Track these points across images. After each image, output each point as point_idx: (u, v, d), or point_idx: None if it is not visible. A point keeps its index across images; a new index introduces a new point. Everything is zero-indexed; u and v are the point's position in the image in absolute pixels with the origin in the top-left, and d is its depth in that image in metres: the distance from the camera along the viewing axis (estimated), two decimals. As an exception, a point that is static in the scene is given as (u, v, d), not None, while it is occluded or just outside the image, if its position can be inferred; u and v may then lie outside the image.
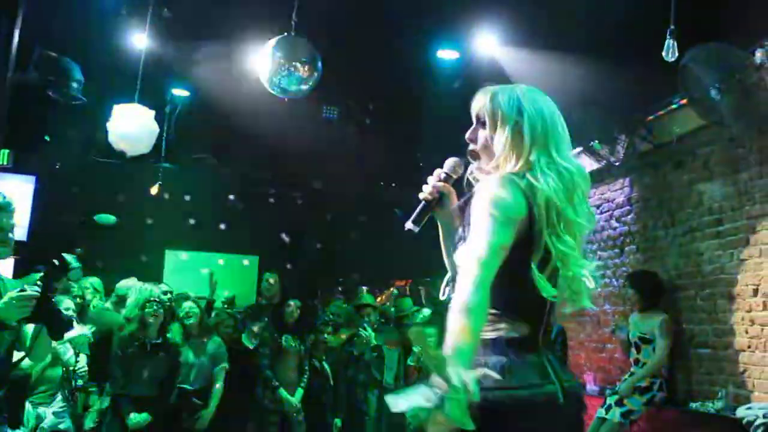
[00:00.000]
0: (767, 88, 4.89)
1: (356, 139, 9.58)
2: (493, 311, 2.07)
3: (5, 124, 6.20)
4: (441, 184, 2.35)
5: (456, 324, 1.89)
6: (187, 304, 6.42)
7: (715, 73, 4.93)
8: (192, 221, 10.91)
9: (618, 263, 7.29)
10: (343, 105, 8.90)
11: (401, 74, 7.47)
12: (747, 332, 5.55)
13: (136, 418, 5.45)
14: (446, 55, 7.18)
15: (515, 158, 2.16)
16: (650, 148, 6.72)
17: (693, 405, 5.77)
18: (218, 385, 6.20)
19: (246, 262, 11.58)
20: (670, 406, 6.07)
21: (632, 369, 6.23)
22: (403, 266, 10.61)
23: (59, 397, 5.58)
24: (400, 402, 1.82)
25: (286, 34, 5.66)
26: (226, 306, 7.64)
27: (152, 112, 6.53)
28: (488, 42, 6.71)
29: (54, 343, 5.17)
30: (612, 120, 6.68)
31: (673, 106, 6.24)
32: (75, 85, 6.89)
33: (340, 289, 10.98)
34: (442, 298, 2.24)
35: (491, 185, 2.09)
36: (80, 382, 5.70)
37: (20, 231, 7.42)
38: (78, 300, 6.23)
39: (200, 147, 10.19)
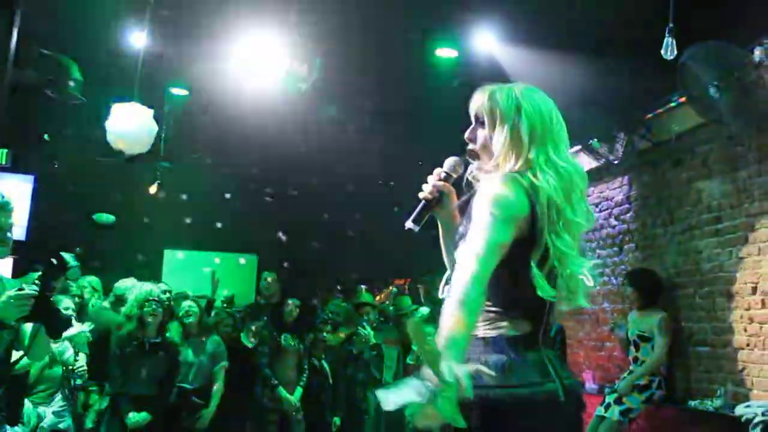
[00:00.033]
0: (766, 86, 4.89)
1: (355, 138, 9.57)
2: (495, 310, 2.10)
3: (3, 124, 6.20)
4: (441, 183, 2.35)
5: (450, 317, 1.91)
6: (187, 303, 6.42)
7: (713, 71, 4.92)
8: (191, 220, 10.91)
9: (617, 261, 7.29)
10: (341, 103, 8.89)
11: (400, 73, 7.46)
12: (746, 330, 5.55)
13: (135, 417, 5.45)
14: (445, 53, 7.17)
15: (515, 157, 2.17)
16: (649, 147, 6.72)
17: (692, 403, 5.78)
18: (218, 384, 6.21)
19: (242, 260, 11.58)
20: (669, 404, 6.07)
21: (631, 367, 6.23)
22: (402, 265, 10.61)
23: (59, 396, 5.58)
24: (391, 397, 1.82)
25: (285, 32, 5.65)
26: (225, 305, 7.64)
27: (151, 111, 6.52)
28: (487, 40, 6.70)
29: (54, 345, 5.20)
30: (611, 118, 6.68)
31: (672, 104, 6.24)
32: (73, 84, 6.88)
33: (339, 287, 10.98)
34: (441, 296, 2.24)
35: (494, 183, 2.10)
36: (79, 382, 5.69)
37: (19, 230, 7.41)
38: (77, 299, 6.22)
39: (199, 146, 10.18)
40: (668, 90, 5.97)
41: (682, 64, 4.97)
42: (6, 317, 3.23)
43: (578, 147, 6.86)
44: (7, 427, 4.04)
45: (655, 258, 6.67)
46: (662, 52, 4.57)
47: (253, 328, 6.86)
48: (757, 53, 4.94)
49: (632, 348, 6.25)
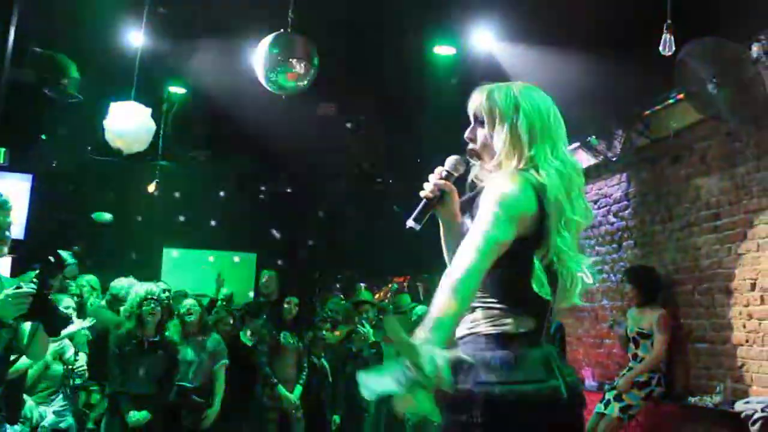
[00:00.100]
0: (764, 82, 4.89)
1: (353, 136, 9.57)
2: (499, 306, 2.12)
3: (1, 123, 6.19)
4: (442, 182, 2.35)
5: (441, 301, 1.94)
6: (188, 302, 6.41)
7: (711, 67, 4.92)
8: (190, 219, 10.91)
9: (615, 258, 7.29)
10: (340, 101, 8.89)
11: (398, 70, 7.45)
12: (745, 326, 5.55)
13: (135, 416, 5.44)
14: (443, 51, 7.17)
15: (516, 156, 2.19)
16: (647, 143, 6.72)
17: (691, 399, 5.78)
18: (220, 383, 6.20)
19: (236, 258, 11.58)
20: (668, 401, 6.07)
21: (630, 364, 6.23)
22: (401, 263, 10.62)
23: (60, 395, 5.57)
24: (371, 384, 1.85)
25: (282, 30, 5.65)
26: (224, 303, 7.64)
27: (149, 110, 6.52)
28: (485, 38, 6.70)
29: (54, 344, 5.19)
30: (609, 115, 6.68)
31: (670, 101, 6.24)
32: (71, 83, 6.88)
33: (338, 285, 10.99)
34: None
35: (503, 180, 2.12)
36: (78, 381, 5.69)
37: (17, 229, 7.42)
38: (76, 298, 6.22)
39: (197, 144, 10.18)
40: (666, 86, 5.97)
41: (680, 61, 4.96)
42: (4, 316, 3.23)
43: (576, 144, 6.86)
44: (7, 426, 4.03)
45: (654, 255, 6.67)
46: (660, 48, 4.57)
47: (248, 331, 6.86)
48: (755, 49, 4.94)
49: (631, 345, 6.26)
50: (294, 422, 6.64)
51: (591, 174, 7.33)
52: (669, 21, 4.50)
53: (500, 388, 2.02)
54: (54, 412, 5.48)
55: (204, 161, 10.42)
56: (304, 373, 6.77)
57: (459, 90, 6.81)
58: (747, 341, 5.53)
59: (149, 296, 5.64)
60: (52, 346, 5.24)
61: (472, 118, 2.33)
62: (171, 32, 7.00)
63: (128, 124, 6.36)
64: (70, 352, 5.56)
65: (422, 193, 2.34)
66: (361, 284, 9.15)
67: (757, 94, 4.91)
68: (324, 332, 7.08)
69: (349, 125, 9.29)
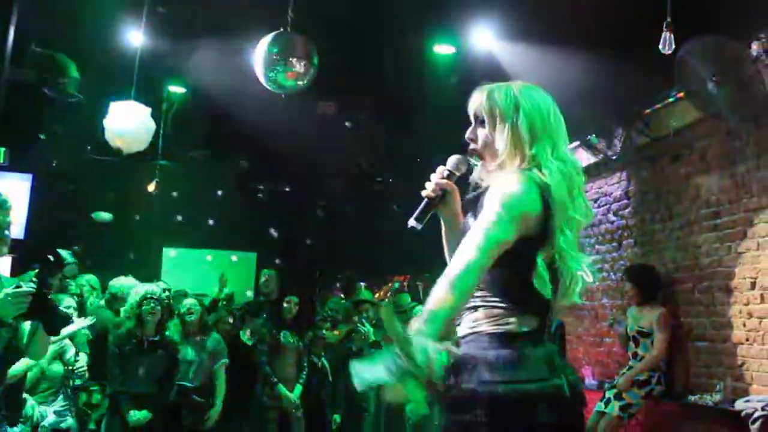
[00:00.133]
0: (764, 81, 4.89)
1: (353, 135, 9.57)
2: (502, 306, 2.13)
3: (1, 122, 6.19)
4: (444, 181, 2.35)
5: (438, 295, 1.96)
6: (189, 301, 6.41)
7: (711, 65, 4.92)
8: (190, 218, 10.91)
9: (616, 257, 7.29)
10: (339, 100, 8.89)
11: (398, 69, 7.45)
12: (745, 325, 5.55)
13: (135, 415, 5.45)
14: (443, 50, 7.16)
15: (519, 155, 2.19)
16: (647, 142, 6.71)
17: (691, 398, 5.78)
18: (221, 382, 6.20)
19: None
20: (668, 400, 6.07)
21: (630, 363, 6.23)
22: (401, 262, 10.61)
23: (61, 395, 5.57)
24: (363, 373, 1.87)
25: (282, 29, 5.65)
26: (224, 303, 7.64)
27: (149, 109, 6.52)
28: (485, 36, 6.70)
29: (54, 345, 5.19)
30: (609, 113, 6.68)
31: (670, 100, 6.23)
32: (71, 82, 6.88)
33: (338, 285, 10.98)
34: None
35: (509, 180, 2.12)
36: (78, 382, 5.69)
37: (17, 229, 7.42)
38: (76, 298, 6.22)
39: (197, 144, 10.18)
40: (666, 85, 5.97)
41: (680, 59, 4.96)
42: (4, 315, 3.23)
43: (577, 143, 6.86)
44: (7, 426, 4.03)
45: (654, 253, 6.67)
46: (660, 47, 4.57)
47: (247, 332, 6.86)
48: (755, 48, 4.94)
49: (631, 344, 6.25)
50: (294, 422, 6.64)
51: (591, 172, 7.33)
52: (669, 19, 4.51)
53: (503, 387, 2.03)
54: (54, 412, 5.48)
55: (204, 161, 10.42)
56: (304, 373, 6.77)
57: (459, 89, 6.81)
58: (747, 340, 5.53)
59: (149, 296, 5.64)
60: (53, 347, 5.23)
61: (472, 118, 2.33)
62: (171, 32, 7.00)
63: (128, 123, 6.36)
64: (70, 353, 5.55)
65: (424, 193, 2.34)
66: (361, 283, 9.14)
67: (757, 93, 4.91)
68: (324, 331, 7.08)
69: (348, 124, 9.29)
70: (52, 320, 3.51)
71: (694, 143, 6.19)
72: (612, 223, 7.40)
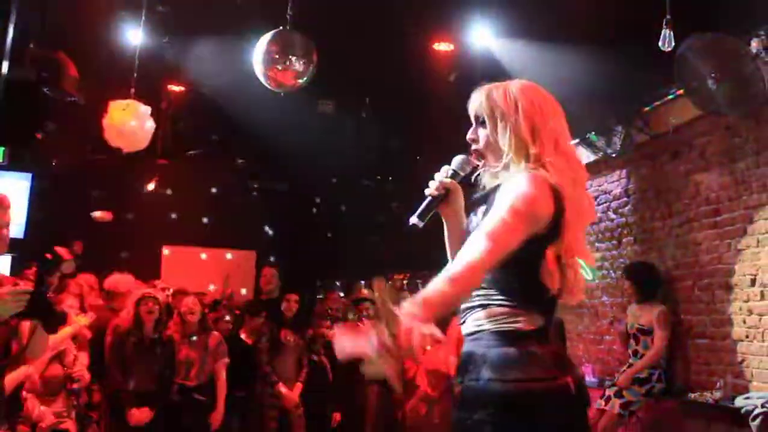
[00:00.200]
0: (763, 77, 4.89)
1: (352, 132, 9.57)
2: (510, 304, 2.13)
3: (1, 121, 6.19)
4: (448, 180, 2.35)
5: (436, 284, 1.95)
6: (189, 300, 6.40)
7: (711, 62, 4.92)
8: (189, 217, 10.92)
9: (615, 255, 7.29)
10: (339, 98, 8.89)
11: (396, 67, 7.45)
12: (745, 322, 5.55)
13: (136, 414, 5.44)
14: (441, 47, 7.16)
15: (522, 154, 2.18)
16: (647, 139, 6.71)
17: (691, 395, 5.78)
18: (221, 381, 6.20)
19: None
20: (668, 397, 6.07)
21: (630, 360, 6.23)
22: (402, 260, 10.62)
23: (60, 395, 5.56)
24: (345, 345, 1.89)
25: (281, 27, 5.64)
26: (225, 302, 7.64)
27: (148, 108, 6.52)
28: (483, 34, 6.70)
29: (53, 342, 5.18)
30: (608, 111, 6.67)
31: (670, 97, 6.23)
32: (70, 81, 6.87)
33: (338, 283, 10.98)
34: None
35: (520, 182, 2.11)
36: (78, 381, 5.68)
37: (16, 228, 7.42)
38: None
39: (197, 142, 10.18)
40: (666, 82, 5.97)
41: (680, 56, 4.96)
42: (1, 313, 3.23)
43: (576, 140, 6.85)
44: (7, 426, 4.03)
45: (654, 251, 6.67)
46: (659, 43, 4.57)
47: (252, 324, 6.85)
48: (754, 44, 4.93)
49: (632, 341, 6.25)
50: (294, 420, 6.63)
51: (590, 170, 7.28)
52: (668, 16, 4.51)
53: (509, 385, 2.03)
54: (54, 413, 5.47)
55: (203, 159, 10.42)
56: (305, 371, 6.76)
57: (458, 86, 6.81)
58: (747, 337, 5.53)
59: (147, 294, 5.64)
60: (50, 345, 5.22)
61: (473, 119, 2.33)
62: (170, 30, 7.00)
63: (127, 122, 6.36)
64: (70, 356, 5.54)
65: (427, 191, 2.34)
66: (361, 282, 9.13)
67: (757, 90, 4.91)
68: (324, 330, 7.07)
69: (347, 123, 9.29)
70: (51, 319, 3.52)
71: (694, 140, 6.19)
72: (612, 220, 7.40)
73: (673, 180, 6.46)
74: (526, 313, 2.12)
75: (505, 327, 2.11)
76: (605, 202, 7.48)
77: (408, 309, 1.85)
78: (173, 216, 10.83)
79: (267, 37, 5.59)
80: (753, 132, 5.50)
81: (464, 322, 2.21)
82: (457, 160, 2.37)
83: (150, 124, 6.53)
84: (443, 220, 2.43)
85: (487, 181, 2.31)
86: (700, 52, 4.94)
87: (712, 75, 4.92)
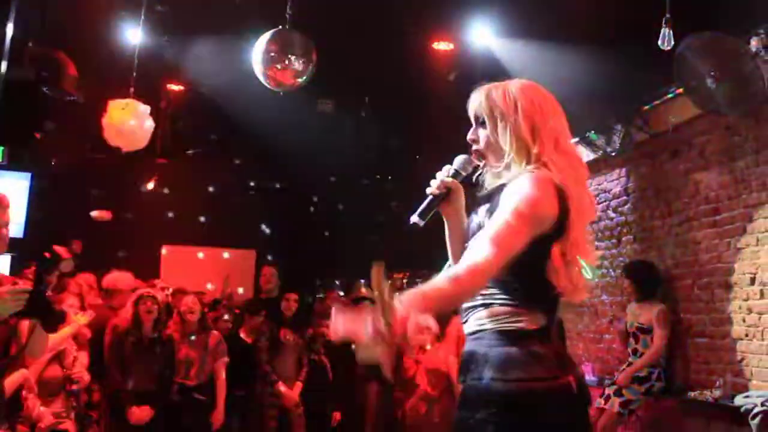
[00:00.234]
0: (763, 77, 4.89)
1: (352, 131, 9.57)
2: (513, 304, 2.12)
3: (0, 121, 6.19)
4: (450, 179, 2.35)
5: (438, 280, 1.94)
6: (188, 299, 6.40)
7: (710, 61, 4.92)
8: (189, 216, 10.91)
9: (615, 254, 7.29)
10: (338, 97, 8.89)
11: (396, 66, 7.45)
12: (744, 321, 5.55)
13: (136, 413, 5.44)
14: (441, 46, 7.16)
15: (524, 154, 2.18)
16: (646, 138, 6.71)
17: (691, 394, 5.78)
18: (221, 381, 6.19)
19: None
20: (668, 396, 6.08)
21: (630, 359, 6.23)
22: (401, 259, 10.61)
23: (60, 395, 5.56)
24: (340, 326, 1.89)
25: (280, 27, 5.64)
26: (225, 301, 7.64)
27: (147, 108, 6.51)
28: (483, 33, 6.70)
29: (53, 341, 5.17)
30: (608, 110, 6.67)
31: (669, 96, 6.23)
32: (69, 80, 6.86)
33: (337, 282, 10.98)
34: None
35: (525, 183, 2.10)
36: (77, 383, 5.67)
37: (16, 227, 7.42)
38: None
39: (196, 142, 10.18)
40: (665, 81, 5.96)
41: (679, 55, 4.96)
42: (1, 312, 3.22)
43: (576, 139, 6.85)
44: (6, 426, 4.03)
45: (654, 250, 6.67)
46: (659, 42, 4.57)
47: (252, 323, 6.85)
48: (754, 43, 4.93)
49: (631, 340, 6.25)
50: (294, 419, 6.63)
51: (590, 169, 7.19)
52: (668, 15, 4.50)
53: (513, 384, 2.04)
54: (53, 413, 5.46)
55: (203, 158, 10.42)
56: (304, 370, 6.76)
57: (457, 85, 6.81)
58: (746, 335, 5.53)
59: (146, 294, 5.64)
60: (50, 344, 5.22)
61: (473, 120, 2.32)
62: (169, 29, 7.00)
63: (126, 121, 6.36)
64: (69, 357, 5.53)
65: (428, 190, 2.33)
66: (361, 281, 9.13)
67: (756, 89, 4.91)
68: (324, 329, 7.06)
69: (347, 122, 9.29)
70: (50, 318, 3.51)
71: (693, 139, 6.19)
72: (611, 219, 7.40)
73: (673, 179, 6.46)
74: (529, 312, 2.12)
75: (507, 326, 2.11)
76: (605, 201, 7.49)
77: (405, 298, 1.85)
78: (172, 215, 10.83)
79: (266, 36, 5.59)
80: (752, 131, 5.50)
81: (466, 321, 2.21)
82: (459, 159, 2.37)
83: (149, 124, 6.53)
84: (444, 220, 2.43)
85: (489, 180, 2.30)
86: (699, 51, 4.94)
87: (712, 74, 4.92)
